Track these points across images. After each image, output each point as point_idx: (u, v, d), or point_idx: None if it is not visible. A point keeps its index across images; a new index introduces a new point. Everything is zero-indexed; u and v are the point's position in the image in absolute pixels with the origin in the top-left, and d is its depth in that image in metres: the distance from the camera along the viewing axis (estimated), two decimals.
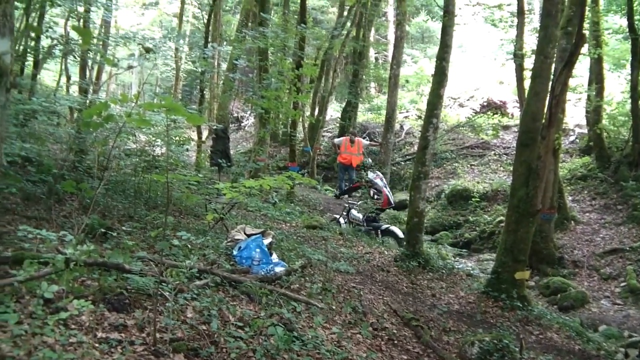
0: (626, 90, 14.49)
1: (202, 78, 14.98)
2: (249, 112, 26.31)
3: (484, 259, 11.66)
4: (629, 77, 12.93)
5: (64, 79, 14.49)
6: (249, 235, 6.07)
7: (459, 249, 12.58)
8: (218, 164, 11.62)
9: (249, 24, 18.67)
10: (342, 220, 10.73)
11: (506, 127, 19.40)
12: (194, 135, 15.04)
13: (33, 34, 9.87)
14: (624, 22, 14.31)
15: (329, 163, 19.41)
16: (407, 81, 26.49)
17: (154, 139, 8.09)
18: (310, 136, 18.51)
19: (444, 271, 8.32)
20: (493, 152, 17.93)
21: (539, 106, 7.29)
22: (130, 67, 11.62)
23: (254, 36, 11.88)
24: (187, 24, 29.58)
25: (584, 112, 15.28)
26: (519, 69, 12.45)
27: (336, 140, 15.91)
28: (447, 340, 5.60)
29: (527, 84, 9.58)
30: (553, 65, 7.58)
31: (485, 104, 22.18)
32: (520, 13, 12.79)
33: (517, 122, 15.72)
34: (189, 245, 5.13)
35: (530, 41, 13.63)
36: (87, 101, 9.17)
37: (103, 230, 5.00)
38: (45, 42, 11.67)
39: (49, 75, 20.43)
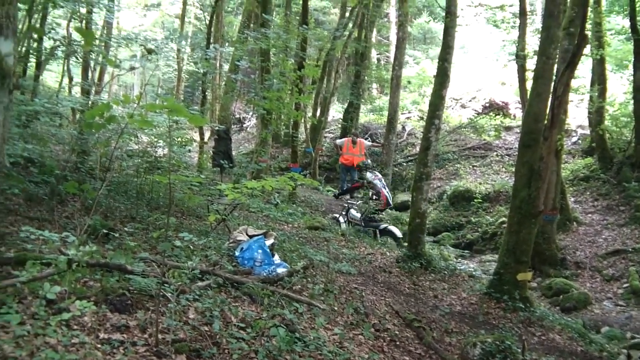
0: (629, 91, 14.48)
1: (204, 79, 14.99)
2: (251, 113, 26.32)
3: (486, 260, 11.64)
4: (632, 78, 12.91)
5: (66, 80, 14.50)
6: (251, 236, 6.07)
7: (461, 250, 12.56)
8: (220, 165, 11.62)
9: (251, 25, 18.70)
10: (341, 220, 10.84)
11: (508, 128, 19.38)
12: (196, 136, 15.04)
13: (35, 36, 9.89)
14: (626, 22, 14.29)
15: (330, 164, 19.40)
16: (409, 82, 26.49)
17: (156, 140, 8.10)
18: (312, 137, 18.50)
19: (446, 272, 8.32)
20: (495, 153, 17.91)
21: (541, 107, 7.28)
22: (132, 68, 11.64)
23: (256, 37, 11.89)
24: (189, 25, 29.64)
25: (587, 113, 15.27)
26: (521, 70, 12.44)
27: (338, 141, 15.91)
28: (449, 341, 5.59)
29: (529, 84, 9.55)
30: (555, 66, 7.57)
31: (487, 104, 22.15)
32: (523, 14, 12.78)
33: (519, 123, 15.69)
34: (191, 246, 5.13)
35: (533, 42, 13.61)
36: (90, 102, 9.17)
37: (105, 231, 5.00)
38: (47, 44, 11.68)
39: (51, 77, 20.48)
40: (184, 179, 5.37)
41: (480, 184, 15.29)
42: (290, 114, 12.95)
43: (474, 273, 9.19)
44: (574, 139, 17.03)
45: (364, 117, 23.00)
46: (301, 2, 13.42)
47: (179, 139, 9.27)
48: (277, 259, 5.81)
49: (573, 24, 8.36)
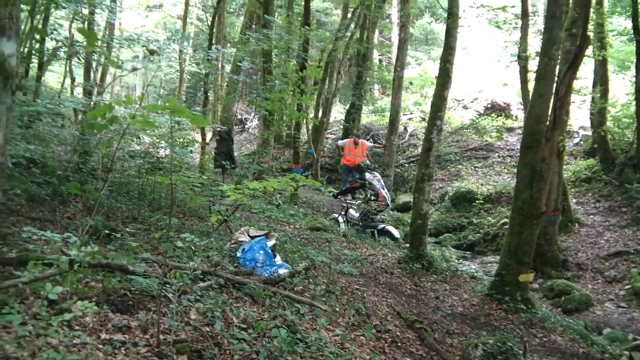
0: (631, 92, 14.44)
1: (206, 80, 15.00)
2: (252, 114, 26.34)
3: (487, 261, 11.63)
4: (634, 79, 12.88)
5: (68, 81, 14.52)
6: (252, 237, 6.07)
7: (463, 251, 12.55)
8: (222, 166, 11.63)
9: (253, 26, 18.70)
10: (340, 220, 10.90)
11: (510, 129, 19.37)
12: (198, 137, 15.07)
13: (38, 36, 9.90)
14: (628, 23, 14.28)
15: (332, 165, 19.40)
16: (411, 83, 26.49)
17: (158, 140, 8.10)
18: (314, 138, 18.51)
19: (447, 273, 8.31)
20: (497, 154, 17.90)
21: (543, 108, 7.27)
22: (134, 69, 11.66)
23: (257, 38, 11.89)
24: (191, 26, 29.67)
25: (589, 114, 15.23)
26: (523, 71, 12.43)
27: (340, 142, 15.92)
28: (450, 342, 5.59)
29: (531, 86, 9.55)
30: (557, 67, 7.57)
31: (489, 106, 22.15)
32: (525, 15, 12.77)
33: (521, 124, 15.65)
34: (193, 247, 5.14)
35: (535, 43, 13.60)
36: (92, 103, 9.18)
37: (107, 231, 5.01)
38: (49, 44, 11.70)
39: (53, 77, 20.49)
40: (185, 179, 5.37)
41: (482, 185, 15.28)
42: (292, 115, 12.95)
43: (475, 274, 9.18)
44: (576, 140, 17.01)
45: (366, 118, 23.01)
46: (303, 3, 13.42)
47: (181, 140, 9.28)
48: (278, 259, 5.82)
49: (575, 25, 8.36)
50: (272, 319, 4.10)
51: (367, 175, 11.45)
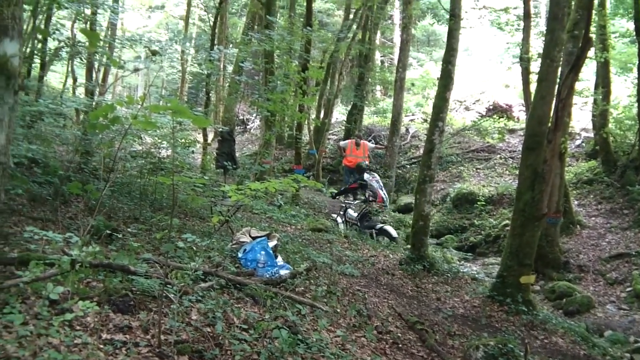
0: (633, 94, 14.42)
1: (208, 80, 15.00)
2: (254, 115, 26.36)
3: (489, 262, 11.62)
4: (636, 81, 12.88)
5: (70, 81, 14.53)
6: (254, 238, 6.07)
7: (464, 252, 12.55)
8: (224, 167, 11.63)
9: (255, 26, 18.74)
10: (339, 220, 10.95)
11: (512, 131, 19.36)
12: (200, 138, 15.07)
13: (40, 36, 9.91)
14: (630, 25, 14.27)
15: (334, 166, 19.41)
16: (412, 84, 26.48)
17: (159, 141, 8.11)
18: (315, 139, 18.51)
19: (448, 275, 8.31)
20: (499, 155, 17.89)
21: (545, 110, 7.27)
22: (136, 70, 11.66)
23: (260, 39, 11.89)
24: (193, 27, 29.68)
25: (590, 116, 15.21)
26: (525, 73, 12.42)
27: (342, 143, 15.92)
28: (451, 344, 5.58)
29: (533, 87, 9.54)
30: (559, 69, 7.56)
31: (491, 107, 22.15)
32: (527, 16, 12.76)
33: (523, 125, 15.66)
34: (194, 248, 5.14)
35: (537, 45, 13.59)
36: (94, 103, 9.20)
37: (108, 231, 5.01)
38: (52, 44, 11.72)
39: (55, 77, 20.52)
40: (187, 180, 5.38)
41: (483, 186, 15.27)
42: (294, 116, 12.95)
43: (476, 276, 9.17)
44: (578, 142, 17.00)
45: (368, 119, 23.01)
46: (305, 4, 13.42)
47: (183, 140, 9.29)
48: (280, 260, 5.82)
49: (577, 26, 8.37)
50: (273, 319, 4.10)
51: (366, 176, 11.50)
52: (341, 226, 10.67)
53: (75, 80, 14.62)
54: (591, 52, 12.17)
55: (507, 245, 7.60)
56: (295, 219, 10.21)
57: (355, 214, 10.93)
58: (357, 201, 11.49)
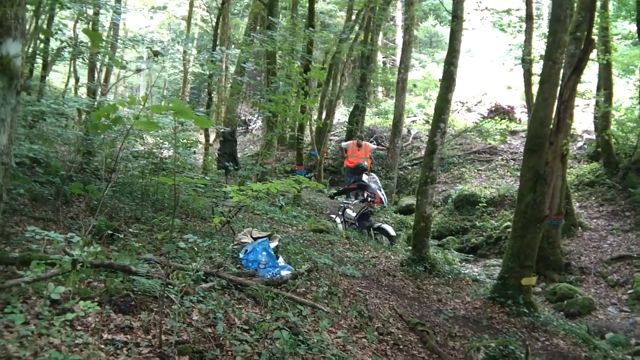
0: (635, 96, 14.43)
1: (210, 81, 15.02)
2: (256, 116, 26.36)
3: (490, 264, 11.60)
4: (638, 83, 12.87)
5: (72, 81, 14.56)
6: (255, 239, 6.08)
7: (466, 254, 12.52)
8: (225, 167, 11.64)
9: (257, 27, 18.76)
10: (337, 220, 10.98)
11: (514, 133, 19.34)
12: (202, 138, 15.08)
13: (42, 36, 9.93)
14: (633, 27, 14.26)
15: (336, 167, 19.40)
16: (414, 85, 26.48)
17: (161, 141, 8.12)
18: (317, 140, 18.51)
19: (450, 276, 8.30)
20: (500, 157, 17.86)
21: (547, 112, 7.26)
22: (138, 70, 11.68)
23: (262, 39, 11.91)
24: (195, 27, 29.73)
25: (592, 118, 15.19)
26: (527, 74, 12.41)
27: (343, 144, 15.91)
28: (452, 345, 5.58)
29: (535, 89, 9.54)
30: (561, 71, 7.55)
31: (493, 109, 22.14)
32: (529, 18, 12.75)
33: (525, 127, 15.67)
34: (196, 248, 5.14)
35: (539, 46, 13.59)
36: (96, 103, 9.21)
37: (110, 232, 5.02)
38: (54, 44, 11.75)
39: (57, 77, 20.57)
40: (189, 180, 5.36)
41: (485, 188, 15.25)
42: (296, 117, 12.95)
43: (478, 277, 9.16)
44: (580, 144, 16.97)
45: (370, 120, 23.00)
46: (307, 4, 13.43)
47: (185, 141, 9.29)
48: (281, 261, 5.82)
49: (580, 28, 8.36)
50: (274, 320, 4.10)
51: (365, 176, 11.53)
52: (340, 226, 10.68)
53: (77, 80, 14.66)
54: (593, 54, 12.16)
55: (508, 247, 7.59)
56: (297, 219, 10.21)
57: (354, 214, 10.96)
58: (355, 201, 11.52)
